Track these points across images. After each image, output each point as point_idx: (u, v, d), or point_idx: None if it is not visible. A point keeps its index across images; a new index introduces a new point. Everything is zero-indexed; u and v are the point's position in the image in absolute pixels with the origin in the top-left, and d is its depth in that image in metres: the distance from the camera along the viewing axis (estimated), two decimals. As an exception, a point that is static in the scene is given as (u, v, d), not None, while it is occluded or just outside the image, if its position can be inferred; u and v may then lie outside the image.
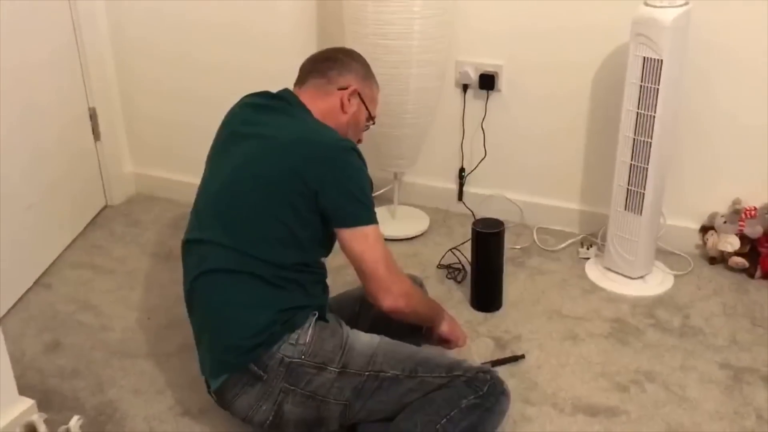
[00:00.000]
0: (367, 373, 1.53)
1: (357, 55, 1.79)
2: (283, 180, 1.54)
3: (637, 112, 2.02)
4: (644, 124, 2.02)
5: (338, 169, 1.55)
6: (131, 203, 2.78)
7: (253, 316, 1.52)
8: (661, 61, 1.93)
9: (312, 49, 2.47)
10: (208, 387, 1.62)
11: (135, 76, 2.66)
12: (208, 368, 1.59)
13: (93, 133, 2.61)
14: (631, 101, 2.02)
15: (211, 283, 1.57)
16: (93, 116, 2.59)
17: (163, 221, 2.64)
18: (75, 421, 1.51)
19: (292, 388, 1.51)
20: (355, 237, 1.55)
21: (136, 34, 2.59)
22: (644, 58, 1.95)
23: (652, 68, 1.95)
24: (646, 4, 1.94)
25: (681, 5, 1.93)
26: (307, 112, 1.66)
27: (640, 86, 1.98)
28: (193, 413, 1.74)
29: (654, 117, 1.99)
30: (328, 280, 1.68)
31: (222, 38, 2.48)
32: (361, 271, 1.57)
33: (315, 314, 1.57)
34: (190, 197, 2.69)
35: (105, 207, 2.73)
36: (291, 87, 1.73)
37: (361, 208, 1.56)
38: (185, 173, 2.73)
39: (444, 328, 1.76)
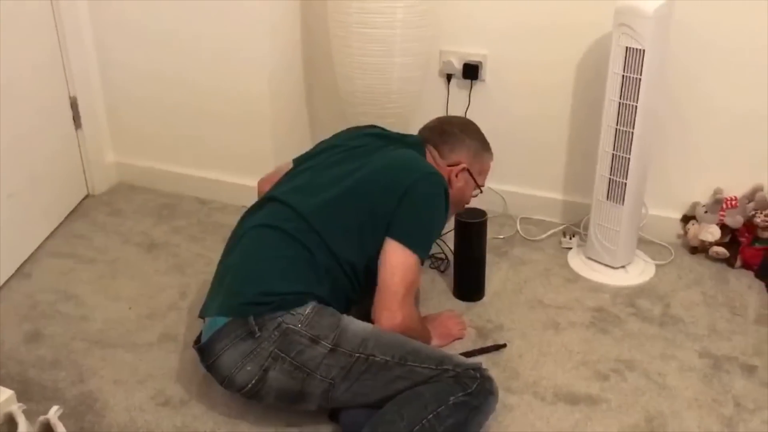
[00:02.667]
0: (357, 355, 1.54)
1: (473, 128, 1.95)
2: (383, 191, 1.66)
3: (620, 102, 2.02)
4: (626, 114, 2.02)
5: (424, 196, 1.68)
6: (113, 193, 2.76)
7: (280, 280, 1.58)
8: (644, 51, 1.93)
9: (296, 34, 2.46)
10: (198, 342, 1.63)
11: (117, 64, 2.63)
12: (214, 308, 1.61)
13: (74, 122, 2.59)
14: (614, 91, 2.02)
15: (267, 236, 1.65)
16: (74, 105, 2.57)
17: (146, 211, 2.62)
18: (54, 411, 1.51)
19: (282, 355, 1.52)
20: (399, 251, 1.64)
21: (117, 21, 2.56)
22: (627, 48, 1.95)
23: (634, 58, 1.95)
24: (629, -6, 1.95)
25: (664, -5, 1.93)
26: (423, 153, 1.84)
27: (623, 76, 1.99)
28: (174, 403, 1.73)
29: (636, 107, 2.00)
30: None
31: (206, 20, 2.44)
32: (384, 282, 1.63)
33: (323, 302, 1.60)
34: (172, 187, 2.72)
35: (87, 196, 2.71)
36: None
37: (420, 235, 1.67)
38: (168, 162, 2.72)
39: (435, 344, 1.82)
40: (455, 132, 1.89)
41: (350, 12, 2.18)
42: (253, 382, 1.54)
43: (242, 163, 2.58)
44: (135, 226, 2.52)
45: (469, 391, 1.51)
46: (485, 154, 1.94)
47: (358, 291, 1.71)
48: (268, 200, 1.74)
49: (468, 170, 1.88)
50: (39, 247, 2.37)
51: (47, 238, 2.42)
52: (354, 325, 1.59)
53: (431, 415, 1.47)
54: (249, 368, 1.53)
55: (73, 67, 2.52)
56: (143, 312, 2.06)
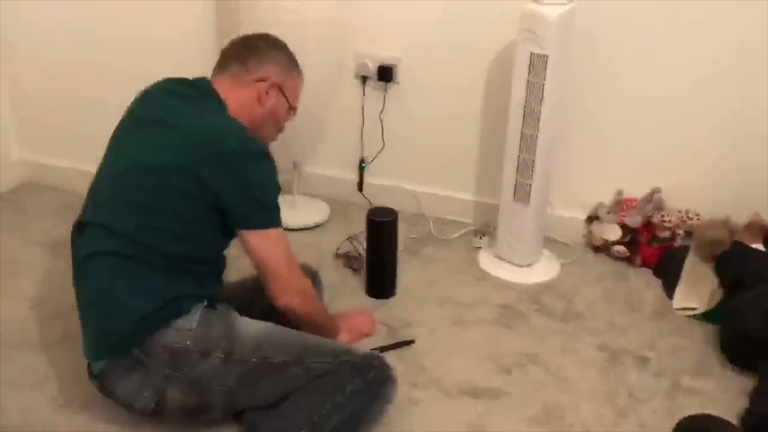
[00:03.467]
0: (253, 360, 1.52)
1: (281, 43, 1.75)
2: (183, 174, 1.51)
3: (525, 106, 2.09)
4: (531, 117, 2.09)
5: (242, 172, 1.53)
6: (18, 191, 2.67)
7: (137, 301, 1.50)
8: (547, 56, 2.00)
9: (207, 23, 2.42)
10: (90, 372, 1.58)
11: (20, 57, 2.55)
12: (91, 350, 1.56)
13: (-25, 118, 2.50)
14: (519, 95, 2.09)
15: (99, 265, 1.54)
16: (-25, 99, 2.48)
17: (50, 209, 2.54)
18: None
19: (176, 374, 1.49)
20: (258, 238, 1.57)
21: (26, 10, 2.47)
22: (531, 53, 2.02)
23: (538, 63, 2.02)
24: (534, 1, 2.01)
25: (566, 3, 2.01)
26: (220, 103, 1.62)
27: (527, 80, 2.06)
28: (74, 405, 1.69)
29: (540, 111, 2.07)
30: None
31: (124, 12, 2.40)
32: (261, 270, 1.59)
33: (204, 302, 1.55)
34: (80, 185, 2.61)
35: (-10, 195, 2.61)
36: (204, 71, 1.69)
37: (265, 212, 1.58)
38: (75, 160, 2.65)
39: (344, 338, 1.81)
40: (261, 45, 1.70)
41: (261, 11, 2.18)
42: (153, 405, 1.51)
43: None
44: (39, 225, 2.44)
45: (367, 379, 1.53)
46: (295, 70, 1.75)
47: (223, 264, 1.67)
48: (85, 225, 1.59)
49: (279, 87, 1.70)
50: (-65, 246, 2.28)
51: (-56, 237, 2.33)
52: (246, 328, 1.56)
53: (329, 405, 1.49)
54: (146, 394, 1.50)
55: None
56: (45, 312, 2.00)
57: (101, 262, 1.54)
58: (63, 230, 2.41)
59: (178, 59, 2.40)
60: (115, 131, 1.66)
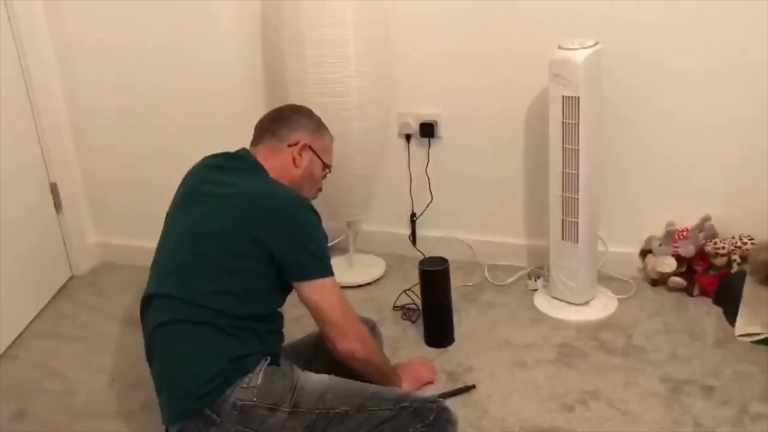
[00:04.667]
0: (317, 411, 1.59)
1: (305, 110, 1.92)
2: (238, 237, 1.62)
3: (563, 147, 2.15)
4: (570, 157, 2.15)
5: (293, 228, 1.64)
6: (96, 272, 2.84)
7: (206, 363, 1.59)
8: (578, 98, 2.07)
9: (261, 109, 2.60)
10: None
11: (95, 148, 2.75)
12: (167, 416, 1.65)
13: (55, 206, 2.70)
14: (556, 136, 2.16)
15: (167, 334, 1.65)
16: (54, 190, 2.68)
17: (127, 287, 2.70)
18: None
19: (246, 430, 1.57)
20: (313, 289, 1.66)
21: (93, 107, 2.69)
22: (563, 96, 2.10)
23: (571, 105, 2.09)
24: (560, 48, 2.10)
25: (591, 46, 2.08)
26: (263, 170, 1.76)
27: (562, 122, 2.12)
28: (155, 468, 1.79)
29: (578, 150, 2.12)
30: (285, 330, 1.76)
31: (177, 100, 2.58)
32: (319, 320, 1.68)
33: (267, 359, 1.64)
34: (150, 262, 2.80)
35: (71, 278, 2.79)
36: (248, 146, 1.84)
37: (317, 263, 1.67)
38: (148, 239, 2.81)
39: (406, 388, 1.86)
40: (288, 114, 1.87)
41: (307, 83, 2.33)
42: None
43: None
44: (117, 302, 2.60)
45: (427, 422, 1.57)
46: (323, 131, 1.90)
47: (282, 321, 1.75)
48: (151, 298, 1.71)
49: (310, 147, 1.83)
50: (25, 329, 2.45)
51: (33, 320, 2.50)
52: (310, 381, 1.64)
53: None
54: None
55: (51, 155, 2.65)
56: (126, 383, 2.13)
57: (169, 330, 1.65)
58: (138, 306, 2.56)
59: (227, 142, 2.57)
60: (169, 209, 1.81)
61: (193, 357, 1.61)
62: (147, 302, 1.73)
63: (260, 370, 1.61)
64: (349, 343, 1.68)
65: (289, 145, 1.81)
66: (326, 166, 1.91)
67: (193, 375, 1.59)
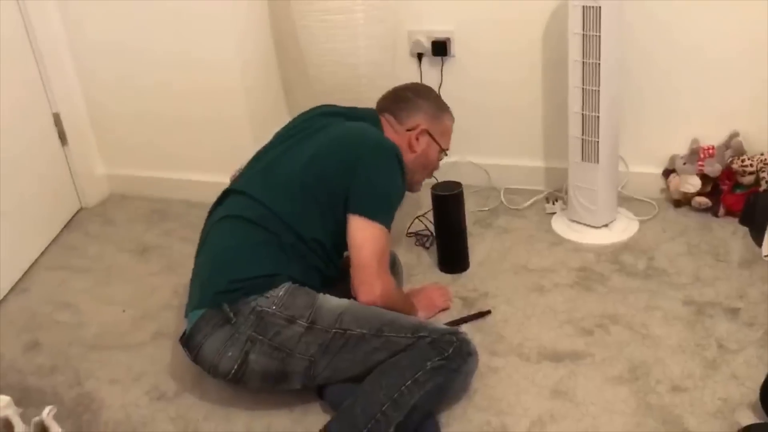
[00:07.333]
0: (334, 330, 1.57)
1: (428, 92, 1.96)
2: (331, 163, 1.70)
3: (583, 62, 2.03)
4: (590, 72, 2.03)
5: (376, 166, 1.70)
6: (105, 204, 2.81)
7: (247, 265, 1.62)
8: (600, 8, 1.94)
9: (265, 30, 2.50)
10: (182, 340, 1.66)
11: (97, 76, 2.67)
12: (192, 304, 1.66)
13: (59, 138, 2.64)
14: (576, 51, 2.03)
15: (230, 226, 1.70)
16: (57, 121, 2.62)
17: (137, 218, 2.67)
18: (47, 412, 1.55)
19: (260, 337, 1.56)
20: (364, 226, 1.66)
21: (93, 35, 2.60)
22: (583, 6, 1.96)
23: (591, 16, 1.96)
24: (581, -47, 1.96)
25: (613, -49, 1.94)
26: (379, 126, 1.86)
27: (582, 35, 2.00)
28: (168, 396, 1.77)
29: (599, 65, 2.00)
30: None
31: (175, 30, 2.48)
32: (355, 259, 1.66)
33: (296, 282, 1.63)
34: (163, 192, 2.77)
35: (80, 210, 2.76)
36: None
37: (376, 203, 1.69)
38: (156, 169, 2.77)
39: (421, 315, 1.84)
40: (409, 96, 1.91)
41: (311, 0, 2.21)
42: (236, 366, 1.57)
43: (226, 161, 2.60)
44: (127, 233, 2.57)
45: (446, 355, 1.54)
46: (443, 115, 1.95)
47: (332, 268, 1.74)
48: (227, 194, 1.79)
49: (428, 132, 1.89)
50: (35, 262, 2.43)
51: (42, 253, 2.48)
52: (329, 302, 1.62)
53: (410, 381, 1.50)
54: (230, 354, 1.57)
55: (53, 85, 2.57)
56: (137, 313, 2.11)
57: (232, 223, 1.70)
58: (150, 235, 2.54)
59: (239, 67, 2.47)
60: (281, 130, 1.90)
61: (239, 254, 1.64)
62: (221, 198, 1.79)
63: (286, 285, 1.61)
64: (373, 297, 1.65)
65: (408, 130, 1.87)
66: (443, 150, 1.96)
67: (231, 270, 1.61)
